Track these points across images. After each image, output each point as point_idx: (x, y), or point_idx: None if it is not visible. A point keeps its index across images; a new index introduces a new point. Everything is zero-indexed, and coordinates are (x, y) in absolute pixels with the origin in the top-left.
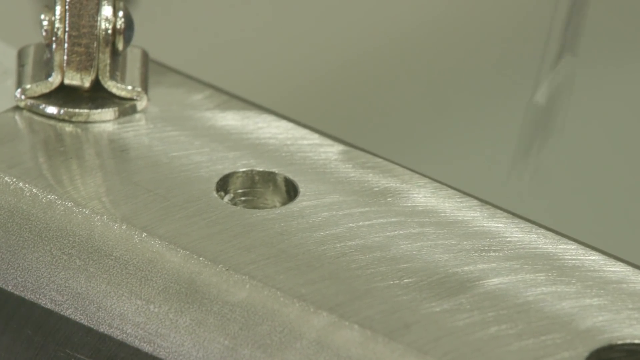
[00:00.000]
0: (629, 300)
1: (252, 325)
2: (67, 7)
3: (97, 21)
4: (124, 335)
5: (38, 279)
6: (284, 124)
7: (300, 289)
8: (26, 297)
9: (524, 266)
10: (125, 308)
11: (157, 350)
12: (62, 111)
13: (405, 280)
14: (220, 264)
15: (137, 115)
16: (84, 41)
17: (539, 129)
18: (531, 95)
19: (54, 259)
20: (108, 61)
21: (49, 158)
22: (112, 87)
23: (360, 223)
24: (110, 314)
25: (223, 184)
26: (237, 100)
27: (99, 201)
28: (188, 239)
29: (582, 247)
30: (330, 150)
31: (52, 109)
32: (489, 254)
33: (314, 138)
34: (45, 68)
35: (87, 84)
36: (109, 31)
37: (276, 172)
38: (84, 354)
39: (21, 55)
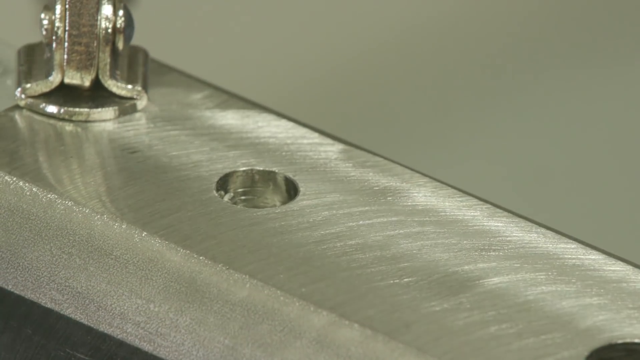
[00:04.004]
0: (629, 300)
1: (252, 324)
2: (67, 6)
3: (97, 20)
4: (124, 334)
5: (38, 278)
6: (284, 123)
7: (300, 288)
8: (26, 296)
9: (524, 265)
10: (125, 307)
11: (158, 350)
12: (62, 110)
13: (405, 280)
14: (221, 263)
15: (137, 115)
16: (84, 40)
17: None
18: (531, 94)
19: (54, 258)
20: (108, 60)
21: (49, 157)
22: (112, 86)
23: (361, 222)
24: (111, 313)
25: (223, 183)
26: (237, 99)
27: (99, 200)
28: (188, 239)
29: (582, 246)
30: (331, 149)
31: (52, 108)
32: (489, 253)
33: (314, 137)
34: (45, 67)
35: (87, 83)
36: (109, 30)
37: (276, 171)
38: (84, 353)
39: (21, 54)
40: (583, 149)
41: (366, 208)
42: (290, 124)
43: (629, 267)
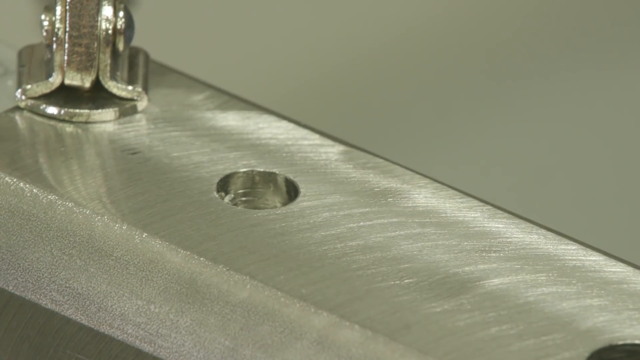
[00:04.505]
0: (630, 301)
1: (252, 325)
2: (67, 7)
3: (97, 21)
4: (125, 335)
5: (39, 279)
6: (285, 124)
7: (301, 289)
8: (27, 298)
9: (525, 267)
10: (126, 308)
11: (158, 351)
12: (62, 111)
13: (405, 281)
14: (221, 264)
15: (138, 116)
16: (85, 41)
17: None
18: (531, 96)
19: (55, 259)
20: (108, 61)
21: (50, 158)
22: (113, 87)
23: (361, 223)
24: (111, 315)
25: (224, 185)
26: (237, 101)
27: (100, 201)
28: (189, 240)
29: (582, 247)
30: (331, 151)
31: (52, 109)
32: (489, 255)
33: (315, 138)
34: (45, 68)
35: (87, 84)
36: (110, 31)
37: (277, 172)
38: (86, 355)
39: (21, 55)
40: (583, 150)
41: (367, 209)
42: (291, 125)
43: (630, 269)
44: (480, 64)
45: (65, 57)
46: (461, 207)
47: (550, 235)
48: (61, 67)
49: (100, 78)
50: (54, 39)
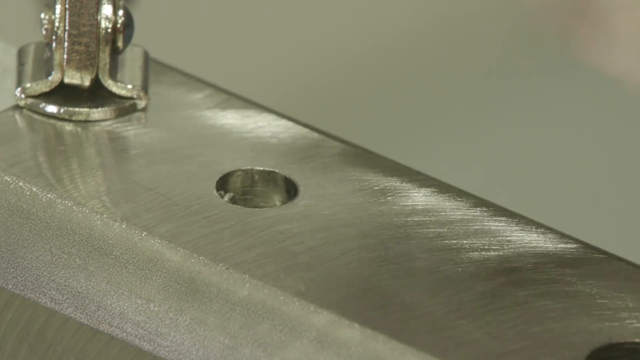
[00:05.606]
0: (629, 299)
1: (252, 324)
2: (67, 5)
3: (97, 20)
4: (124, 334)
5: (38, 277)
6: (284, 123)
7: (301, 288)
8: (26, 296)
9: (524, 265)
10: (125, 307)
11: (157, 349)
12: (62, 110)
13: (405, 279)
14: (221, 262)
15: (137, 114)
16: (84, 40)
17: None
18: (531, 96)
19: (54, 258)
20: (108, 60)
21: (49, 157)
22: (112, 86)
23: (360, 222)
24: (110, 313)
25: (223, 183)
26: (237, 99)
27: (99, 200)
28: (188, 238)
29: (582, 246)
30: (331, 149)
31: (52, 108)
32: (489, 253)
33: (314, 137)
34: (45, 67)
35: (87, 83)
36: (109, 30)
37: (276, 171)
38: (85, 353)
39: (21, 54)
40: (583, 149)
41: (366, 208)
42: (290, 124)
43: (630, 267)
44: (480, 64)
45: (65, 56)
46: (461, 205)
47: (550, 234)
48: (61, 66)
49: (100, 77)
50: (54, 37)
